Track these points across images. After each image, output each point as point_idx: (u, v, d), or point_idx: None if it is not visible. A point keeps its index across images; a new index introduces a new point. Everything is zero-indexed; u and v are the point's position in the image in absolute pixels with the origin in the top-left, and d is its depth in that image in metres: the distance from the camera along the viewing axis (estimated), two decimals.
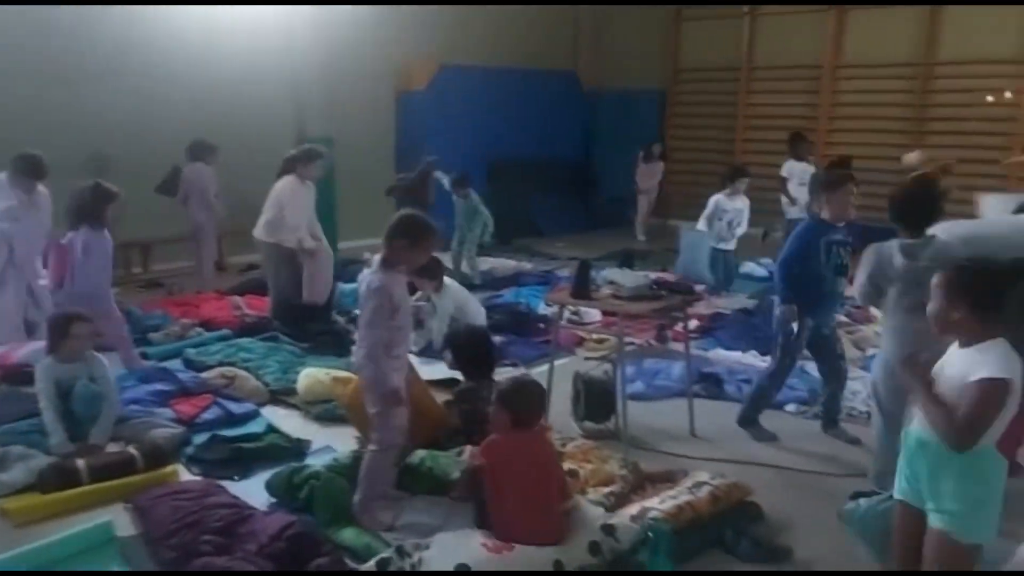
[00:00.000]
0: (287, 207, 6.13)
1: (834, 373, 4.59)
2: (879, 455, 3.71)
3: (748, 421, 4.59)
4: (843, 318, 6.83)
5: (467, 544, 2.95)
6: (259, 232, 6.28)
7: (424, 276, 5.51)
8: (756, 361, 5.77)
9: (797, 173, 8.30)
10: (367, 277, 3.44)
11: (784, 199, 8.35)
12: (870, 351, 6.02)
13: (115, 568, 3.15)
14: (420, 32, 10.32)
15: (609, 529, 3.17)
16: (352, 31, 9.63)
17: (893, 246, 3.52)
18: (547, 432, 4.26)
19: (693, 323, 5.93)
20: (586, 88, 12.30)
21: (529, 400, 3.19)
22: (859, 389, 5.20)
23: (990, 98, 9.56)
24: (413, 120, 10.38)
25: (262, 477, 3.81)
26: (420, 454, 3.77)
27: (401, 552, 2.95)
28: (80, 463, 3.75)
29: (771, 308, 6.86)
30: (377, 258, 3.38)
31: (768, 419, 4.82)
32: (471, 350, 4.38)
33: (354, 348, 3.92)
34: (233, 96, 8.82)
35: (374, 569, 2.94)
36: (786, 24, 10.77)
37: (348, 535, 3.30)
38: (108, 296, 5.10)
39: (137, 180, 7.99)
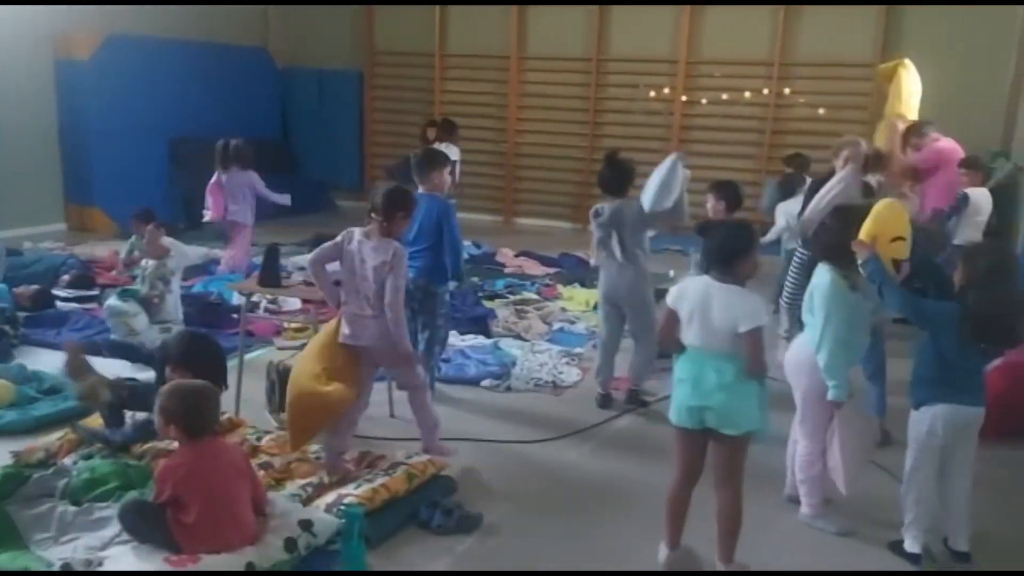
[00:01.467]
0: None
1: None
2: None
3: None
4: (533, 295, 7.32)
5: (147, 560, 2.74)
6: None
7: None
8: (455, 340, 5.96)
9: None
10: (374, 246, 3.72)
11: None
12: (556, 325, 6.50)
13: None
14: None
15: (306, 524, 3.13)
16: None
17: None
18: (237, 428, 4.10)
19: None
20: (281, 66, 11.86)
21: (196, 407, 2.98)
22: (545, 361, 5.61)
23: (652, 93, 10.70)
24: (76, 94, 9.33)
25: None
26: (86, 464, 3.43)
27: (68, 570, 2.67)
28: None
29: (470, 289, 7.25)
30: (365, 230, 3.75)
31: (465, 392, 5.04)
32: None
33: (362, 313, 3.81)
34: None
35: None
36: (474, 14, 11.17)
37: (2, 561, 2.90)
38: None
39: None
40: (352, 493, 3.36)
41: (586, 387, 5.18)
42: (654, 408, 4.83)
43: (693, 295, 3.06)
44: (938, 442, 3.21)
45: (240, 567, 2.84)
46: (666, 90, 10.56)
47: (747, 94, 10.23)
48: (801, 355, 3.47)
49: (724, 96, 10.33)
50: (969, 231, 6.02)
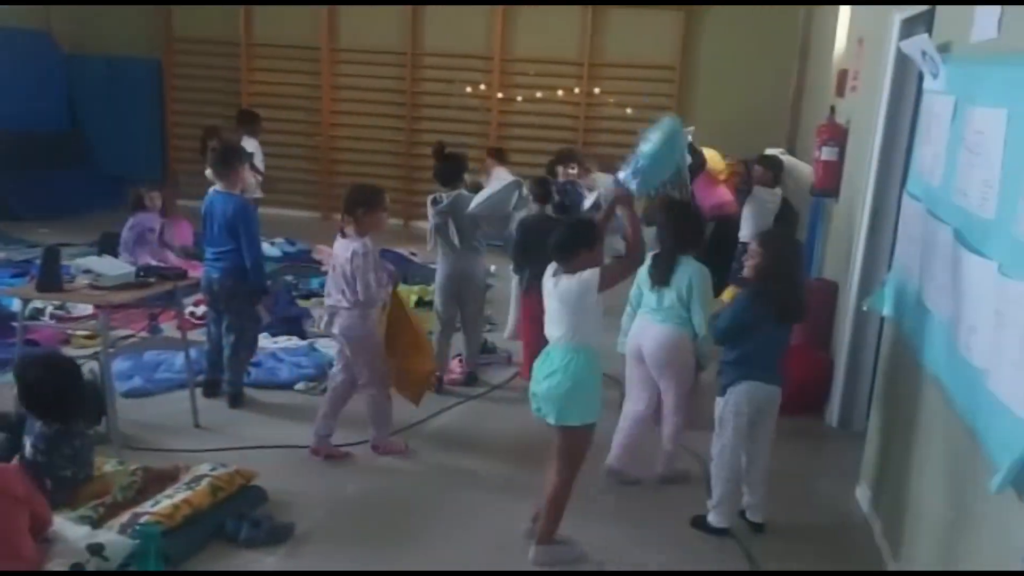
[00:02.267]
0: None
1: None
2: None
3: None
4: None
5: None
6: None
7: None
8: (266, 343, 5.70)
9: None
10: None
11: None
12: None
13: None
14: None
15: (95, 548, 2.87)
16: None
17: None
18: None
19: (201, 308, 5.62)
20: (67, 52, 10.88)
21: None
22: None
23: (468, 89, 10.75)
24: None
25: None
26: None
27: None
28: None
29: (284, 289, 6.96)
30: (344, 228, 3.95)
31: (276, 396, 4.83)
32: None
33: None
34: None
35: None
36: (281, 7, 10.76)
37: None
38: None
39: None
40: (149, 511, 3.11)
41: None
42: (485, 399, 4.93)
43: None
44: (744, 420, 3.42)
45: None
46: (482, 86, 10.64)
47: (560, 92, 10.50)
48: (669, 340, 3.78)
49: (539, 94, 10.55)
50: (758, 224, 6.40)
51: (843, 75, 5.99)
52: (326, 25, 10.65)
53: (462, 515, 3.56)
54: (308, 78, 10.92)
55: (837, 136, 5.39)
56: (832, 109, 5.76)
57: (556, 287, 3.13)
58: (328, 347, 5.67)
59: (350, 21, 10.71)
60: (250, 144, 7.61)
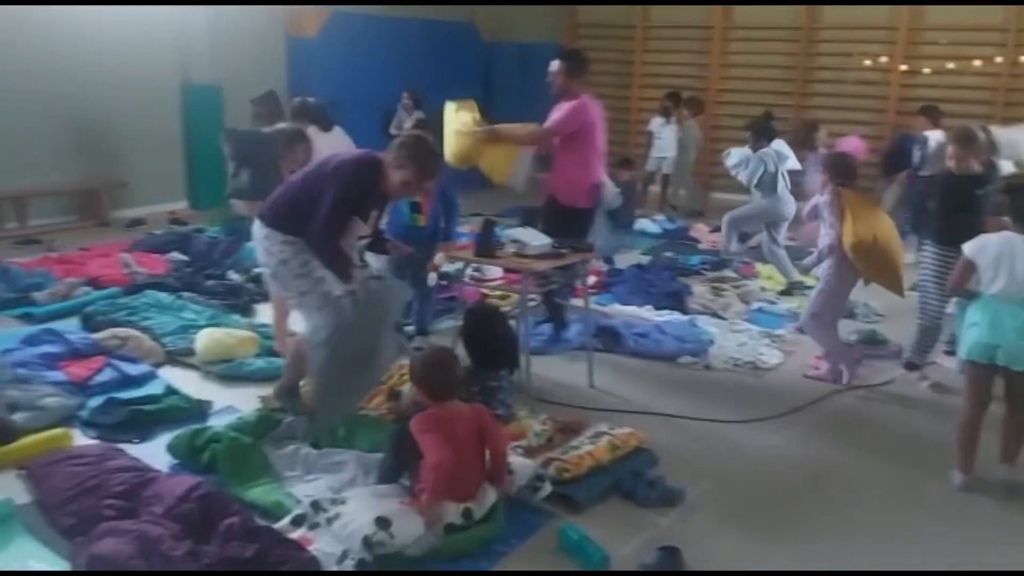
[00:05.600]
0: None
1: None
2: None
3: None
4: (731, 273, 7.20)
5: (383, 503, 3.01)
6: None
7: None
8: (651, 315, 6.01)
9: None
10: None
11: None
12: (755, 305, 6.37)
13: (22, 540, 3.04)
14: None
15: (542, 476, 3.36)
16: None
17: None
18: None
19: (591, 279, 6.10)
20: (485, 40, 12.21)
21: (440, 372, 3.19)
22: (745, 341, 5.52)
23: (867, 62, 10.08)
24: (303, 68, 10.09)
25: (163, 440, 3.73)
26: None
27: (316, 507, 2.99)
28: None
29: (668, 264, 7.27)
30: None
31: (661, 368, 5.07)
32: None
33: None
34: (114, 42, 8.35)
35: (289, 526, 2.97)
36: None
37: (256, 494, 3.29)
38: None
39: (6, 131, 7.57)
40: (560, 458, 3.50)
41: (789, 370, 5.07)
42: (874, 391, 4.73)
43: (995, 249, 3.51)
44: None
45: (457, 515, 3.05)
46: (883, 58, 9.93)
47: (977, 63, 9.42)
48: None
49: (949, 65, 9.57)
50: None
51: None
52: (721, 4, 10.66)
53: (846, 508, 3.48)
54: (696, 57, 11.04)
55: None
56: None
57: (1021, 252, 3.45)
58: (708, 324, 5.83)
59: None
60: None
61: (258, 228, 3.73)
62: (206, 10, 8.92)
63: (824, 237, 4.79)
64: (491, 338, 4.08)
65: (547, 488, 3.32)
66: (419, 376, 3.21)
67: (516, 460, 3.37)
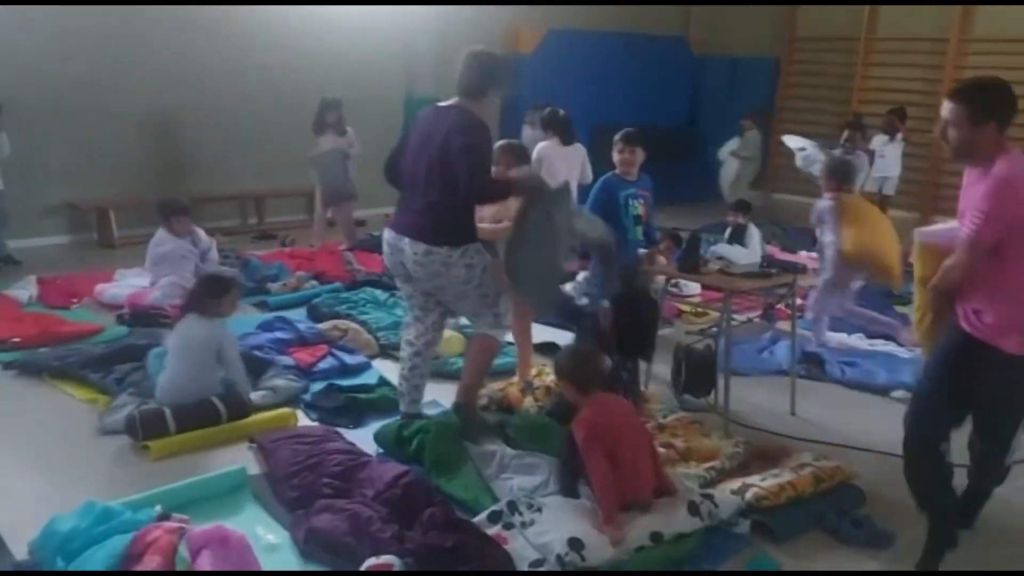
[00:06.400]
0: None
1: None
2: None
3: None
4: None
5: (573, 511, 3.07)
6: None
7: None
8: (861, 343, 5.67)
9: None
10: None
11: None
12: None
13: (251, 507, 3.37)
14: None
15: (708, 496, 3.24)
16: None
17: None
18: (645, 402, 4.36)
19: (798, 301, 5.83)
20: (696, 54, 12.06)
21: (584, 367, 3.24)
22: None
23: None
24: (519, 84, 10.40)
25: (372, 428, 3.99)
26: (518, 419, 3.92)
27: (513, 508, 3.09)
28: (167, 412, 3.88)
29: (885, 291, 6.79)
30: None
31: (871, 400, 4.77)
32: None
33: None
34: (345, 55, 9.04)
35: (486, 521, 3.09)
36: None
37: (457, 486, 3.44)
38: None
39: (250, 137, 8.35)
40: (758, 485, 3.39)
41: None
42: None
43: None
44: None
45: (646, 538, 3.03)
46: None
47: None
48: None
49: None
50: None
51: None
52: (960, 12, 9.88)
53: None
54: (927, 71, 10.30)
55: None
56: None
57: None
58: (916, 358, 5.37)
59: (987, 9, 9.77)
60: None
61: None
62: (432, 24, 9.45)
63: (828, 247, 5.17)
64: (635, 326, 4.07)
65: (745, 526, 3.23)
66: (566, 371, 3.26)
67: (720, 495, 3.29)
